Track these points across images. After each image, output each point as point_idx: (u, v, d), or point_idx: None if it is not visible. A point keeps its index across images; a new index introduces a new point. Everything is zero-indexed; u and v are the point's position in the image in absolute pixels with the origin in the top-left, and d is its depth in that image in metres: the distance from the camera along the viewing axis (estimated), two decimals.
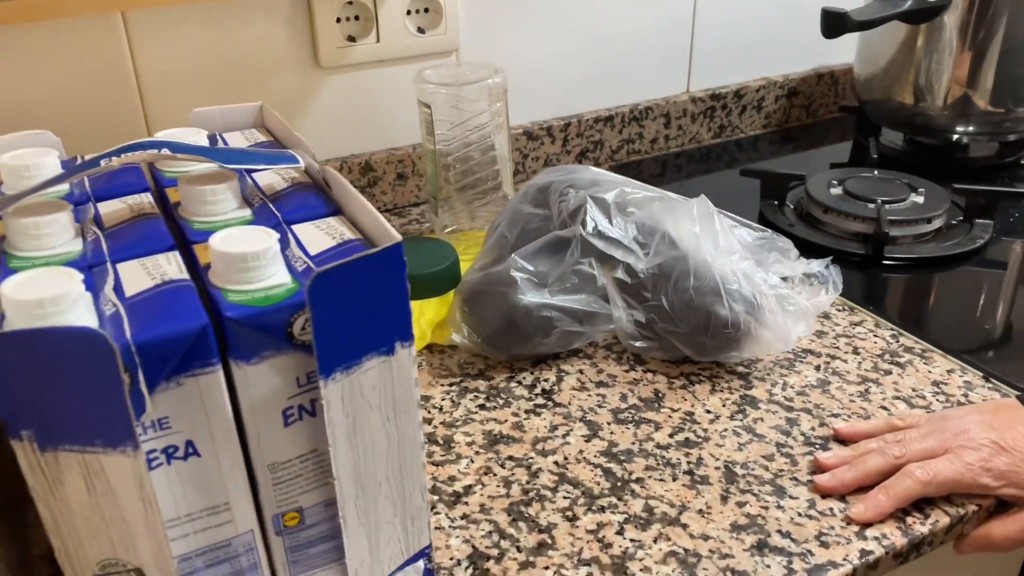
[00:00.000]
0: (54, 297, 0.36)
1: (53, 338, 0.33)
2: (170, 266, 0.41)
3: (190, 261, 0.43)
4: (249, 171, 0.52)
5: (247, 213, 0.47)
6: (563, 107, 1.09)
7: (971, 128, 1.06)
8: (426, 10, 0.96)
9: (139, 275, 0.41)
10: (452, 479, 0.61)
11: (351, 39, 0.94)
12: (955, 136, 1.07)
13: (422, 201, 1.03)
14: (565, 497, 0.59)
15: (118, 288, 0.40)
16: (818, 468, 0.61)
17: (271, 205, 0.48)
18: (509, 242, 0.75)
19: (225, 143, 0.58)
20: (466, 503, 0.59)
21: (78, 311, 0.37)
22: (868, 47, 1.11)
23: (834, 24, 0.95)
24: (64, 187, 0.50)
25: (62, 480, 0.36)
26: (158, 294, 0.39)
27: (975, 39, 1.01)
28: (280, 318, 0.39)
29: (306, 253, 0.43)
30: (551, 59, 1.06)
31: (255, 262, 0.40)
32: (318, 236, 0.44)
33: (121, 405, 0.35)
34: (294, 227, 0.45)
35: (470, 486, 0.60)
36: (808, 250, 0.76)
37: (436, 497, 0.60)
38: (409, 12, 0.95)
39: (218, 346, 0.38)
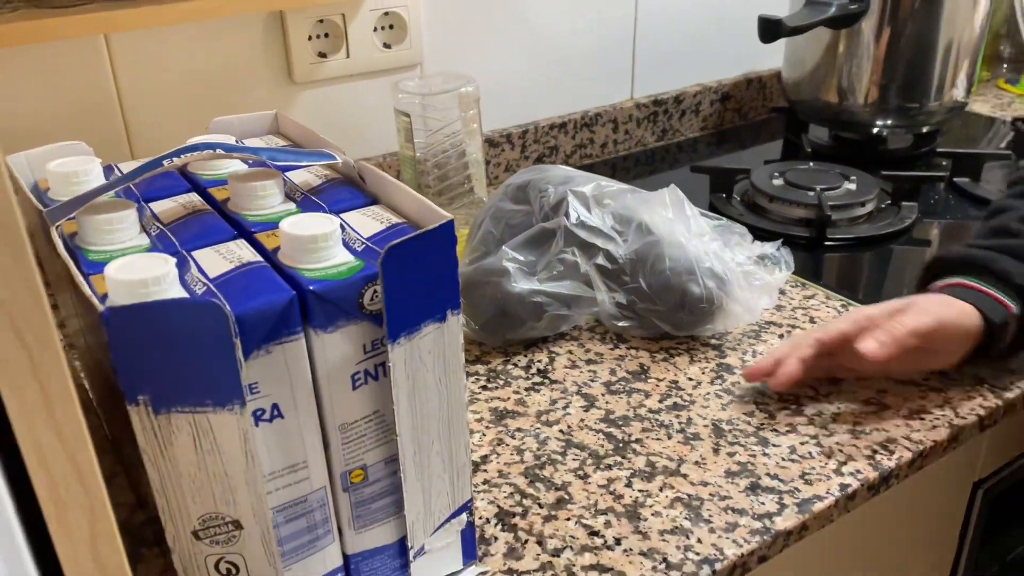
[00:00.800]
0: (156, 277, 0.40)
1: (174, 309, 0.38)
2: (243, 251, 0.46)
3: (256, 247, 0.47)
4: (283, 170, 0.56)
5: (292, 206, 0.52)
6: (520, 115, 1.16)
7: (889, 122, 1.17)
8: (391, 26, 1.02)
9: (216, 260, 0.45)
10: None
11: (322, 55, 0.98)
12: (875, 129, 1.18)
13: None
14: (574, 459, 0.65)
15: (201, 271, 0.44)
16: (752, 377, 0.70)
17: (314, 198, 0.53)
18: (495, 237, 0.81)
19: None
20: (485, 470, 0.64)
21: (176, 289, 0.41)
22: (795, 53, 1.21)
23: (770, 30, 1.04)
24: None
25: (172, 440, 0.40)
26: (240, 274, 0.44)
27: (889, 42, 1.11)
28: (354, 290, 0.44)
29: (361, 236, 0.48)
30: (508, 71, 1.12)
31: (324, 243, 0.45)
32: (367, 222, 0.50)
33: (232, 366, 0.39)
34: (342, 215, 0.50)
35: (486, 455, 0.66)
36: (757, 236, 0.84)
37: None
38: (376, 29, 1.00)
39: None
